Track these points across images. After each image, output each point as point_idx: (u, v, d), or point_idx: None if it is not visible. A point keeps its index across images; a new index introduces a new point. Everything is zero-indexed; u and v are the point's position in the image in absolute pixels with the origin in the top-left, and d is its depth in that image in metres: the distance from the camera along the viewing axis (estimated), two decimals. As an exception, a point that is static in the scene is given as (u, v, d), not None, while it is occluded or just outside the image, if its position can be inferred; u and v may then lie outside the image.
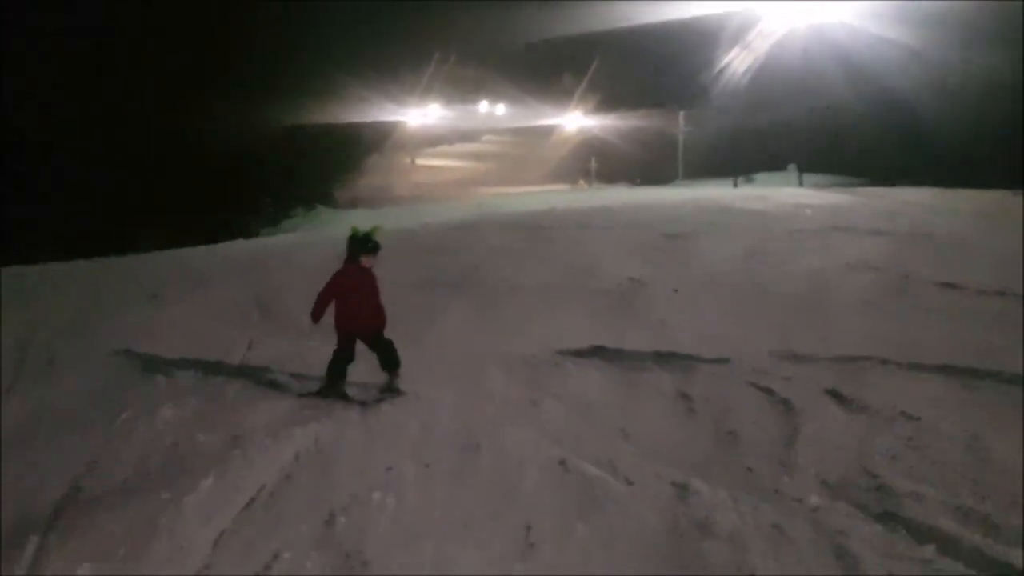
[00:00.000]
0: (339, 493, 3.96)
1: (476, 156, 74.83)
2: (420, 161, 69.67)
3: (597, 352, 6.75)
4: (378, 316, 6.06)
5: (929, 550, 3.21)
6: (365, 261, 5.99)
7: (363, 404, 5.65)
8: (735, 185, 36.54)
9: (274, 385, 6.11)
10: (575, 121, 64.17)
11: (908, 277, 9.36)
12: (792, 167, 38.05)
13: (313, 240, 19.85)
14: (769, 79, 39.59)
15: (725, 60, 42.17)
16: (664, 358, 6.41)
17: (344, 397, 5.90)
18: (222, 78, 32.90)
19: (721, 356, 6.22)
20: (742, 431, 4.56)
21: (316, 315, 6.00)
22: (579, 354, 6.69)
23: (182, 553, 3.44)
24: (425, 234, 17.50)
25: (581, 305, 8.82)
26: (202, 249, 19.48)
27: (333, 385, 5.98)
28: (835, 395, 5.08)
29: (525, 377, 6.06)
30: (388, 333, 6.04)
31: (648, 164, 47.07)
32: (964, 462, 4.07)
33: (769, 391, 5.23)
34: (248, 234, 29.47)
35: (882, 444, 4.22)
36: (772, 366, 5.82)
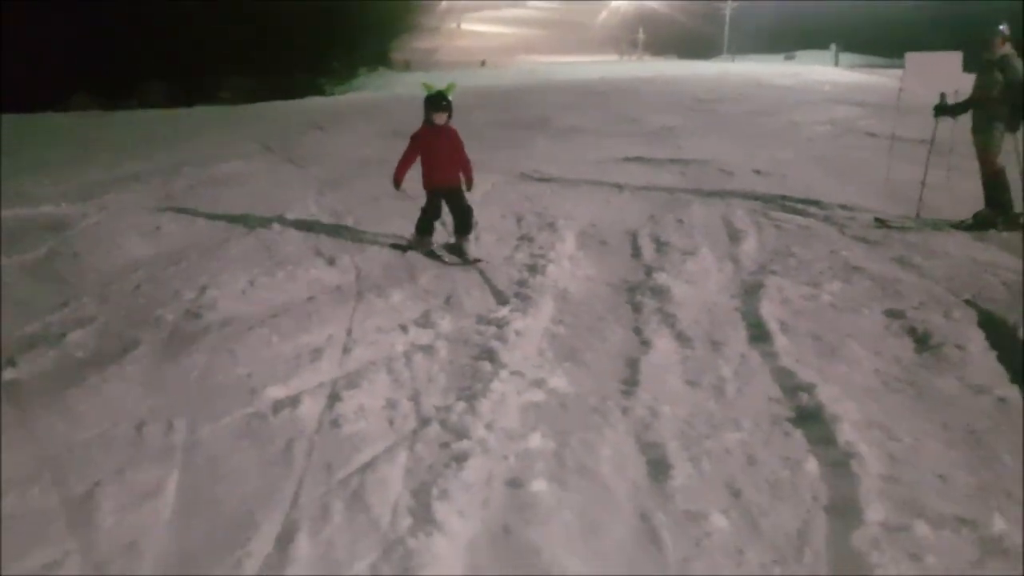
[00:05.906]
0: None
1: (522, 22, 78.06)
2: (465, 26, 73.06)
3: (636, 159, 12.14)
4: (456, 171, 6.55)
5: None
6: (437, 118, 6.47)
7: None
8: (732, 60, 40.70)
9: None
10: (625, -9, 66.96)
11: (850, 130, 14.58)
12: (833, 46, 42.08)
13: (395, 96, 25.14)
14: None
15: (778, -64, 45.32)
16: (674, 161, 11.83)
17: (430, 254, 6.53)
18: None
19: (705, 159, 11.63)
20: (706, 181, 10.06)
21: (397, 178, 6.56)
22: (626, 160, 12.08)
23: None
24: (496, 93, 22.81)
25: (627, 139, 14.17)
26: (314, 100, 24.83)
27: (419, 239, 6.68)
28: (756, 172, 10.54)
29: (599, 168, 11.45)
30: (497, 153, 10.92)
31: (695, 38, 50.64)
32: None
33: (723, 170, 10.72)
34: (323, 93, 34.36)
35: (765, 187, 9.73)
36: (731, 163, 11.27)
